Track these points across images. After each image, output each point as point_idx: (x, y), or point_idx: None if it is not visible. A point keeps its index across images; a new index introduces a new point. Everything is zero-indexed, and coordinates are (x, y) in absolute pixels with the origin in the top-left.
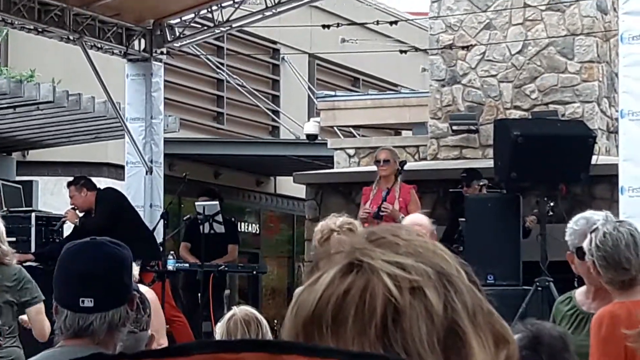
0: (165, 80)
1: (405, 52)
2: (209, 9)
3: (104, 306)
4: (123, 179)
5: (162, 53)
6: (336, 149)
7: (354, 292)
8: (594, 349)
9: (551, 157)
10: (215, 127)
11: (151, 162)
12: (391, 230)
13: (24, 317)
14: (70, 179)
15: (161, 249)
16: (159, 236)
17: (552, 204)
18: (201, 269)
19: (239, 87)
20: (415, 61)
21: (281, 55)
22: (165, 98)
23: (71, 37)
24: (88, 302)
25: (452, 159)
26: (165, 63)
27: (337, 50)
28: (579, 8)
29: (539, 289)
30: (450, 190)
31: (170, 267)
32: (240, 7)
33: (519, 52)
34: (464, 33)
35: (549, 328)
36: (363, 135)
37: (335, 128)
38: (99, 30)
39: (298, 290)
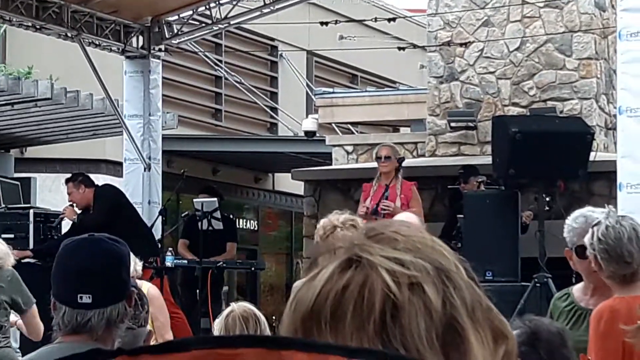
0: (163, 77)
1: (403, 49)
2: (207, 6)
3: (102, 302)
4: (121, 176)
5: (160, 50)
6: (334, 146)
7: (353, 287)
8: (593, 343)
9: (549, 154)
10: (213, 124)
11: (149, 158)
12: (390, 226)
13: (14, 319)
14: (69, 175)
15: (159, 245)
16: (157, 233)
17: (548, 199)
18: (199, 265)
19: (237, 84)
20: (414, 58)
21: (279, 52)
22: (163, 95)
23: (69, 34)
24: (86, 299)
25: (451, 155)
26: (163, 60)
27: (335, 47)
28: (577, 5)
29: (538, 285)
30: (449, 186)
31: (168, 264)
32: (239, 4)
33: (517, 49)
34: (462, 30)
35: (547, 324)
36: (361, 132)
37: (333, 125)
38: (97, 27)
39: (296, 284)
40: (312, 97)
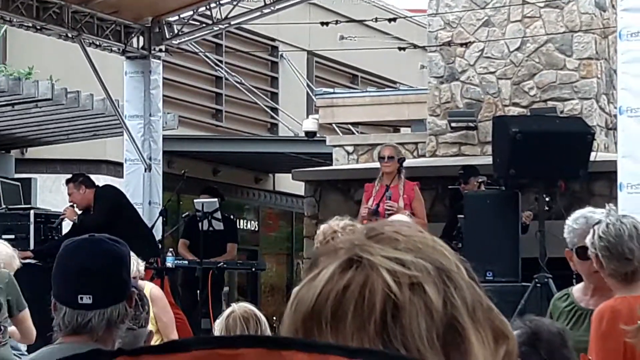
0: (163, 78)
1: (403, 49)
2: (208, 7)
3: (102, 303)
4: (122, 177)
5: (160, 50)
6: (335, 146)
7: (354, 287)
8: (594, 343)
9: (550, 154)
10: (214, 124)
11: (150, 159)
12: (391, 226)
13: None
14: (69, 176)
15: (160, 246)
16: (157, 233)
17: (548, 199)
18: (200, 266)
19: (237, 85)
20: (414, 58)
21: (280, 53)
22: (163, 95)
23: (69, 35)
24: (87, 299)
25: (451, 155)
26: (163, 60)
27: (336, 48)
28: (578, 5)
29: (538, 285)
30: (449, 187)
31: (169, 264)
32: (239, 4)
33: (517, 49)
34: (462, 30)
35: (547, 324)
36: (362, 132)
37: (333, 125)
38: (98, 27)
39: (296, 289)
40: (313, 97)
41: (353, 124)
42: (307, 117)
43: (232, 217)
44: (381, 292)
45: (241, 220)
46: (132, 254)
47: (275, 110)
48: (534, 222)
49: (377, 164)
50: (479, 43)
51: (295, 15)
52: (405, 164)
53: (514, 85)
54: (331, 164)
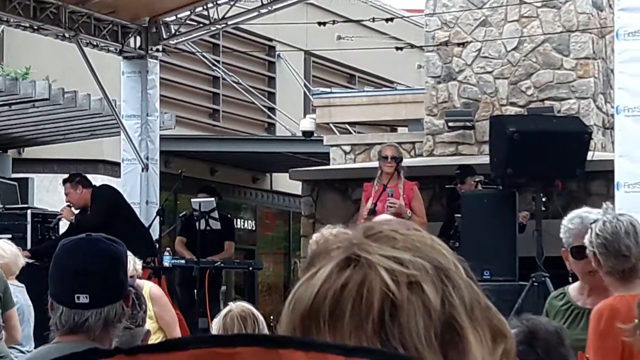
0: (161, 78)
1: (401, 49)
2: (205, 7)
3: (99, 302)
4: (119, 176)
5: (157, 50)
6: (332, 146)
7: (351, 286)
8: (592, 342)
9: (547, 153)
10: (211, 124)
11: (147, 159)
12: (389, 225)
13: None
14: (66, 176)
15: (157, 245)
16: (155, 233)
17: (544, 199)
18: (197, 265)
19: (234, 85)
20: (411, 58)
21: (277, 53)
22: (161, 95)
23: (67, 35)
24: (83, 299)
25: (448, 155)
26: (161, 60)
27: (333, 48)
28: (575, 5)
29: (535, 284)
30: (446, 186)
31: (166, 264)
32: (236, 4)
33: (514, 49)
34: (459, 30)
35: (544, 323)
36: (359, 132)
37: (331, 125)
38: (95, 27)
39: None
40: (310, 97)
41: (350, 123)
42: (305, 116)
43: (229, 215)
44: (379, 290)
45: (238, 220)
46: (129, 253)
47: (272, 110)
48: (531, 222)
49: (374, 164)
50: (476, 43)
51: (292, 15)
52: (402, 163)
53: (511, 84)
54: (328, 164)
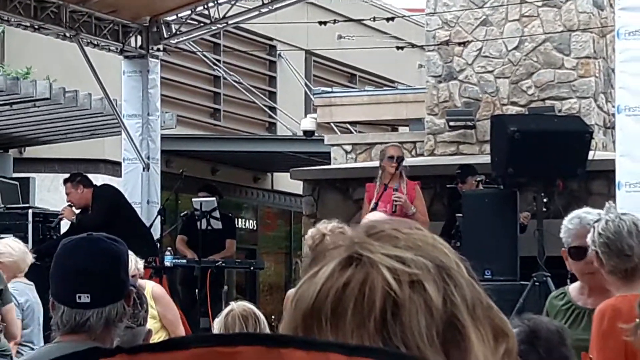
0: (162, 77)
1: (401, 48)
2: (206, 6)
3: (100, 302)
4: (120, 176)
5: (158, 50)
6: (333, 145)
7: (354, 285)
8: (595, 342)
9: (548, 153)
10: (212, 123)
11: (148, 158)
12: (390, 224)
13: None
14: (67, 175)
15: (158, 245)
16: (156, 232)
17: (545, 200)
18: (199, 265)
19: (235, 84)
20: (412, 57)
21: (278, 52)
22: (162, 95)
23: (67, 34)
24: (85, 298)
25: (449, 154)
26: (161, 60)
27: (334, 47)
28: (575, 4)
29: (537, 284)
30: (447, 185)
31: (167, 263)
32: (237, 3)
33: (515, 48)
34: (460, 29)
35: (546, 322)
36: (360, 132)
37: (332, 124)
38: (96, 27)
39: (290, 292)
40: (311, 96)
41: (351, 123)
42: (305, 116)
43: (230, 215)
44: (381, 289)
45: (240, 220)
46: (130, 252)
47: (273, 109)
48: (532, 221)
49: (375, 163)
50: (477, 42)
51: (293, 15)
52: (403, 163)
53: (512, 84)
54: (329, 163)
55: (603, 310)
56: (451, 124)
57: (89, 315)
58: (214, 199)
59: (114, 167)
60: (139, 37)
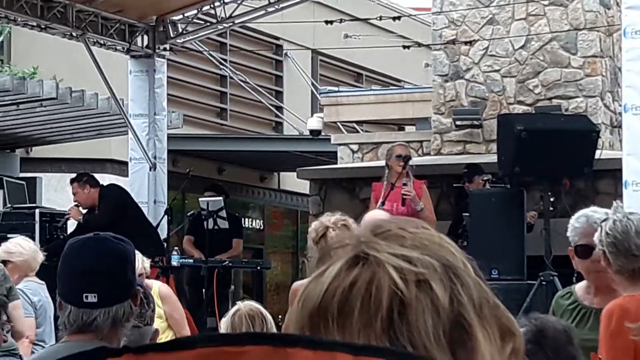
0: (168, 77)
1: (408, 47)
2: (212, 5)
3: (107, 302)
4: (127, 175)
5: (165, 49)
6: (339, 145)
7: (360, 284)
8: (604, 342)
9: (555, 152)
10: (218, 123)
11: (155, 158)
12: (397, 223)
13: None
14: (74, 175)
15: (165, 245)
16: (163, 232)
17: (552, 199)
18: (205, 264)
19: (242, 83)
20: (419, 56)
21: (284, 51)
22: (168, 94)
23: (74, 34)
24: (92, 298)
25: (456, 154)
26: (168, 59)
27: (340, 46)
28: (582, 3)
29: (544, 283)
30: (454, 185)
31: (174, 263)
32: (243, 3)
33: (522, 47)
34: (466, 28)
35: (553, 322)
36: (366, 131)
37: (338, 123)
38: (102, 26)
39: (295, 284)
40: (317, 95)
41: (358, 122)
42: (312, 115)
43: (237, 214)
44: (388, 289)
45: (246, 219)
46: (136, 252)
47: (279, 108)
48: (539, 220)
49: (382, 163)
50: (484, 41)
51: (299, 14)
52: (410, 162)
53: (519, 83)
54: (336, 163)
55: (611, 310)
56: (458, 123)
57: (96, 315)
58: (220, 198)
59: (120, 166)
60: (145, 37)
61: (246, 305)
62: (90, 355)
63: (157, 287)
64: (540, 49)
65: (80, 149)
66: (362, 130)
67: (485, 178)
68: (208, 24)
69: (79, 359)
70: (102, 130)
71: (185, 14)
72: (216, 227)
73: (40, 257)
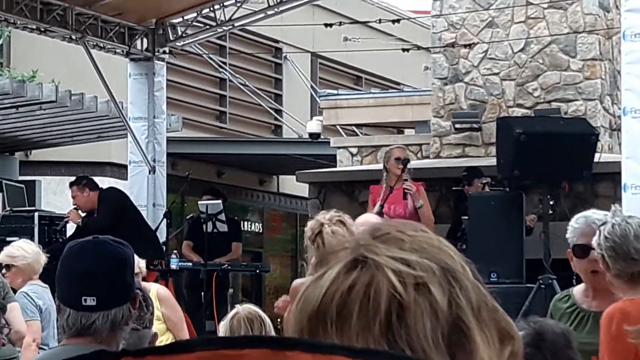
0: (167, 80)
1: (407, 50)
2: (211, 8)
3: (106, 305)
4: (126, 179)
5: (164, 52)
6: (339, 148)
7: (359, 288)
8: (605, 346)
9: (554, 155)
10: (218, 126)
11: (154, 161)
12: (396, 227)
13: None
14: (73, 178)
15: (164, 248)
16: (162, 236)
17: (552, 202)
18: (204, 267)
19: (241, 86)
20: (418, 59)
21: (284, 54)
22: (167, 97)
23: (73, 37)
24: (90, 301)
25: (455, 157)
26: (167, 62)
27: (340, 49)
28: (581, 6)
29: (542, 286)
30: (453, 188)
31: (173, 266)
32: (243, 6)
33: (521, 50)
34: (466, 31)
35: (552, 325)
36: (366, 134)
37: (337, 127)
38: (102, 29)
39: (296, 282)
40: (317, 99)
41: (357, 125)
42: (311, 118)
43: (236, 218)
44: (386, 292)
45: (245, 222)
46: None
47: (279, 112)
48: (538, 224)
49: (380, 165)
50: (483, 44)
51: (298, 17)
52: (409, 165)
53: (518, 86)
54: (335, 166)
55: (611, 314)
56: (457, 126)
57: (95, 318)
58: (219, 201)
59: (119, 169)
60: (144, 40)
61: (245, 308)
62: (89, 358)
63: (155, 289)
64: (540, 52)
65: (79, 152)
66: (361, 133)
67: (485, 181)
68: (207, 27)
69: None
70: (101, 134)
71: (185, 17)
72: (215, 230)
73: (43, 259)
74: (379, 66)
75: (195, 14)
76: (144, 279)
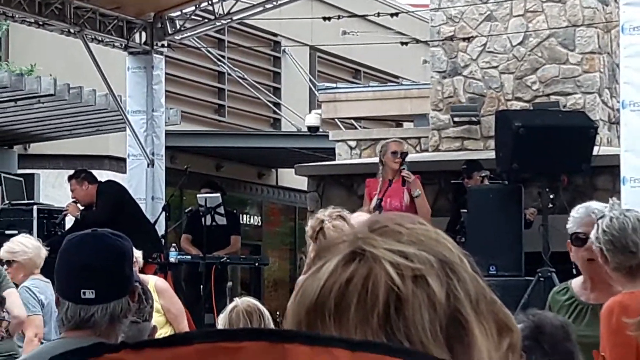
0: (166, 73)
1: (406, 44)
2: (210, 2)
3: (105, 298)
4: (125, 172)
5: (163, 46)
6: (337, 141)
7: (357, 280)
8: (605, 339)
9: (552, 148)
10: (216, 119)
11: (153, 154)
12: (394, 219)
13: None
14: (72, 171)
15: (163, 241)
16: (160, 229)
17: (552, 196)
18: (203, 261)
19: (240, 80)
20: (416, 53)
21: (282, 48)
22: (166, 91)
23: (72, 30)
24: (89, 294)
25: (454, 150)
26: (166, 56)
27: (338, 42)
28: None
29: (541, 279)
30: (452, 181)
31: (172, 259)
32: None
33: (520, 44)
34: (464, 25)
35: (550, 318)
36: (364, 127)
37: (336, 120)
38: (100, 23)
39: (300, 279)
40: (315, 92)
41: (356, 118)
42: (310, 112)
43: (234, 211)
44: (384, 284)
45: (244, 216)
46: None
47: (277, 105)
48: (537, 217)
49: (385, 159)
50: (482, 37)
51: (297, 10)
52: (407, 158)
53: (517, 79)
54: (334, 159)
55: (611, 307)
56: (456, 119)
57: (94, 311)
58: (218, 195)
59: (118, 163)
60: (143, 33)
61: (244, 301)
62: (88, 351)
63: (154, 282)
64: (538, 46)
65: (78, 145)
66: (360, 126)
67: (484, 174)
68: (206, 20)
69: (77, 355)
70: (100, 127)
71: (183, 11)
72: (214, 223)
73: (44, 253)
74: (377, 59)
75: (193, 8)
76: (142, 271)
